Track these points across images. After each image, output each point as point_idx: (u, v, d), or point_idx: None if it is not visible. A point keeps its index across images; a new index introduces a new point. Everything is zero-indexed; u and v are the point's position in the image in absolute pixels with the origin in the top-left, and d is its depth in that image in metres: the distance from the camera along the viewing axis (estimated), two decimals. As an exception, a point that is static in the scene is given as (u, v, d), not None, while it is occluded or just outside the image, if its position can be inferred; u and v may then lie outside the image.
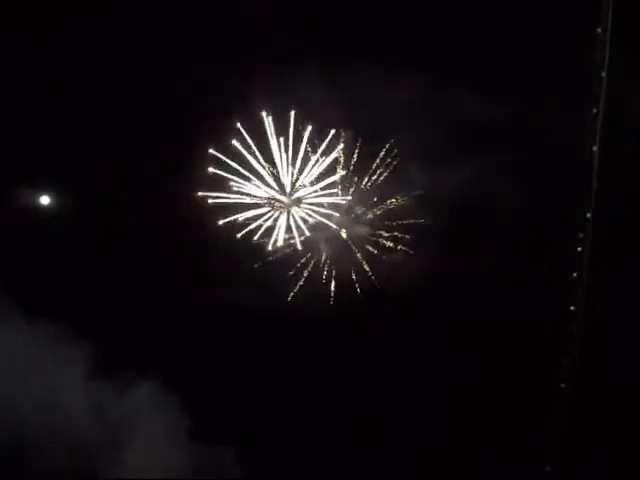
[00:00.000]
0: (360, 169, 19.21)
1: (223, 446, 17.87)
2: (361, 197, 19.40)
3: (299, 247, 19.05)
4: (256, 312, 18.54)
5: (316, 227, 19.25)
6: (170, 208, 18.65)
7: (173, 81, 17.80)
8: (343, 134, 18.61)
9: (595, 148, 17.26)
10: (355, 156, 19.02)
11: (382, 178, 19.15)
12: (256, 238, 18.95)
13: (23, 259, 18.43)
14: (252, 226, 18.93)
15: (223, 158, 18.58)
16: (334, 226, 19.24)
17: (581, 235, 17.29)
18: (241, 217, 18.87)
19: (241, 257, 18.91)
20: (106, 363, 17.88)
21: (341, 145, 18.74)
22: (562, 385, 17.14)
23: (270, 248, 18.99)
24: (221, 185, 18.77)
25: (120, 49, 17.30)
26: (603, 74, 16.97)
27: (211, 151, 18.42)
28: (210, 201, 18.67)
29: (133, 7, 17.07)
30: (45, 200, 18.93)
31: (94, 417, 17.74)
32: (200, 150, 18.29)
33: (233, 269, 18.86)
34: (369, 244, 19.36)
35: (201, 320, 18.79)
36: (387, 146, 18.84)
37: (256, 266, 18.92)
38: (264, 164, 18.83)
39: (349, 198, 19.19)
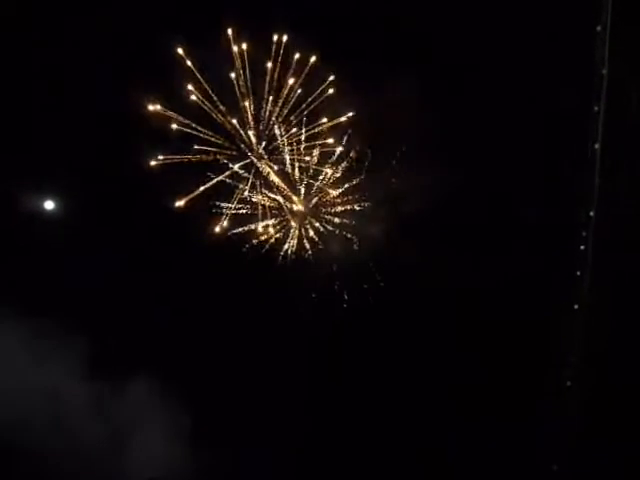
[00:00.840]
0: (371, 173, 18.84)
1: (222, 448, 17.74)
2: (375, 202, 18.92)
3: (311, 259, 18.63)
4: (263, 318, 18.41)
5: (328, 236, 18.81)
6: (173, 212, 18.53)
7: (175, 81, 17.85)
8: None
9: (597, 146, 17.28)
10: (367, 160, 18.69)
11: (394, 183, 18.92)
12: (265, 249, 18.56)
13: (19, 259, 18.35)
14: (262, 238, 18.47)
15: (231, 165, 18.40)
16: (349, 235, 18.75)
17: (584, 233, 17.27)
18: (249, 227, 18.42)
19: (247, 264, 18.67)
20: (103, 364, 17.77)
21: (355, 150, 18.48)
22: (568, 383, 16.95)
23: (280, 260, 18.59)
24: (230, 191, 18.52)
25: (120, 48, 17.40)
26: (604, 72, 17.05)
27: (219, 157, 18.23)
28: (215, 210, 18.31)
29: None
30: (42, 200, 18.83)
31: (91, 417, 17.60)
32: (205, 154, 18.25)
33: (239, 276, 18.60)
34: (380, 250, 18.93)
35: (203, 324, 18.60)
36: (398, 154, 18.69)
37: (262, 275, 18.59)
38: (275, 169, 18.51)
39: (367, 204, 18.71)
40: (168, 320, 18.40)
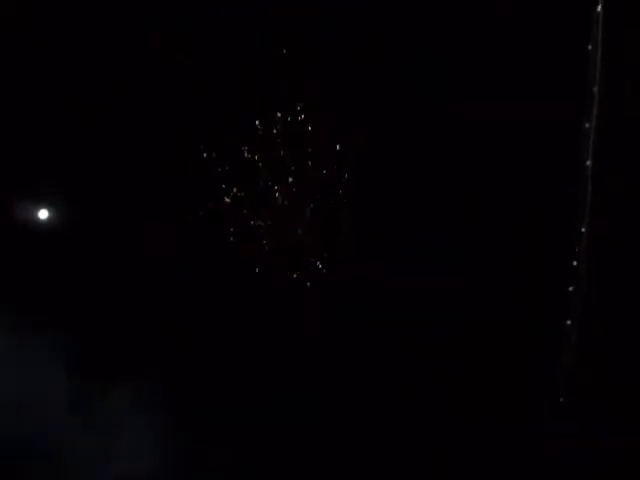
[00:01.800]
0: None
1: (219, 448, 18.05)
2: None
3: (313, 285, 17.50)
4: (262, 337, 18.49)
5: (332, 261, 17.70)
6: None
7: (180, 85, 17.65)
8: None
9: (588, 163, 17.88)
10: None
11: None
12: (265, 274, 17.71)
13: (14, 263, 18.17)
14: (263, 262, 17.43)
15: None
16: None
17: (576, 249, 17.80)
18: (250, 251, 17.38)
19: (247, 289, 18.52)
20: (92, 364, 17.82)
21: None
22: (560, 384, 17.46)
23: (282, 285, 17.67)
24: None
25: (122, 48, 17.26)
26: (595, 89, 17.59)
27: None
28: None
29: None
30: (40, 206, 18.57)
31: (74, 420, 17.66)
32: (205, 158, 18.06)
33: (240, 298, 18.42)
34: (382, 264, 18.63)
35: (200, 335, 18.63)
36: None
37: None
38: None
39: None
40: (166, 323, 18.53)
